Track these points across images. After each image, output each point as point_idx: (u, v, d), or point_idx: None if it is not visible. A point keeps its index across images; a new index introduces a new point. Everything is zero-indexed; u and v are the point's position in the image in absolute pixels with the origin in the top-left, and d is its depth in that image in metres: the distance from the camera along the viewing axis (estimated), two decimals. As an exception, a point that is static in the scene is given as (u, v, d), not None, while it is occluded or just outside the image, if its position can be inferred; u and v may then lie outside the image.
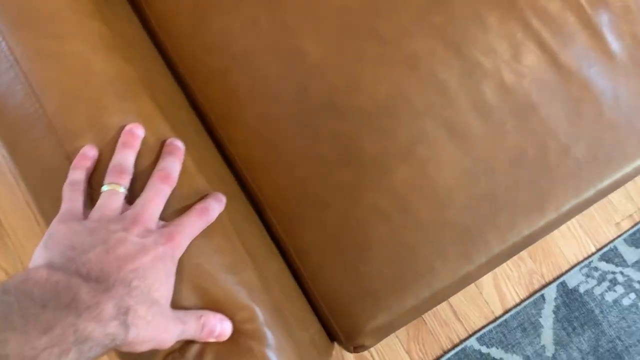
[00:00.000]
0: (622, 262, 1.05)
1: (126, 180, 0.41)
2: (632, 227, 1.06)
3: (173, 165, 0.42)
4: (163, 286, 0.37)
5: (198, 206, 0.43)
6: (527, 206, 0.66)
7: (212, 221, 0.43)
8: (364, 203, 0.63)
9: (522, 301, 1.02)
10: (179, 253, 0.39)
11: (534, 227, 0.67)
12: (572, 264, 1.05)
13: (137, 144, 0.43)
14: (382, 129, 0.64)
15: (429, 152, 0.65)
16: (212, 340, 0.41)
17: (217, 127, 0.66)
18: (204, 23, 0.67)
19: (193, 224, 0.41)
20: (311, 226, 0.63)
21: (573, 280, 1.03)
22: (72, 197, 0.40)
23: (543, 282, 1.03)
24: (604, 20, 0.67)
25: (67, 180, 0.41)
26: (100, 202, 0.39)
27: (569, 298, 1.01)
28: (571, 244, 1.05)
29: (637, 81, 0.67)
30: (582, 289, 1.03)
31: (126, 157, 0.41)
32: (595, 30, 0.67)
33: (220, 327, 0.41)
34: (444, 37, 0.66)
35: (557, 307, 1.01)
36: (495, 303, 1.01)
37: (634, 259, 1.05)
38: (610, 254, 1.05)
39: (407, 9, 0.66)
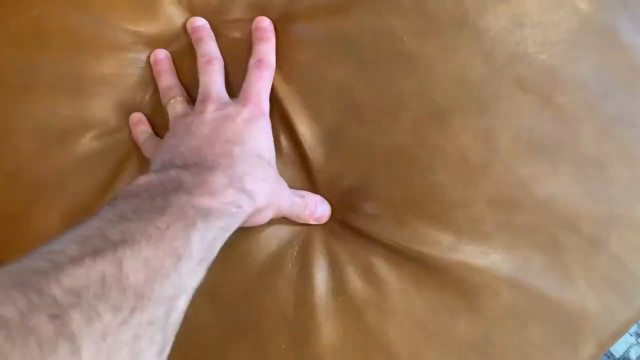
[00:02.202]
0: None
1: (177, 91, 0.42)
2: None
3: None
4: (265, 146, 0.37)
5: (252, 61, 0.41)
6: (546, 344, 0.40)
7: (274, 66, 0.41)
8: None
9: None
10: (265, 110, 0.39)
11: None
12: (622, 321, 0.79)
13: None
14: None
15: (364, 296, 0.39)
16: (312, 222, 0.40)
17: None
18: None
19: (259, 79, 0.40)
20: None
21: (620, 345, 0.78)
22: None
23: (581, 356, 0.77)
24: (618, 17, 0.40)
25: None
26: (170, 116, 0.40)
27: (619, 371, 0.76)
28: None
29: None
30: (633, 355, 0.77)
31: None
32: (608, 34, 0.40)
33: (321, 209, 0.40)
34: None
35: (606, 385, 0.76)
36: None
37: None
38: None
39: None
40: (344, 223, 0.41)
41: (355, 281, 0.40)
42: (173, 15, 0.45)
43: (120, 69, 0.43)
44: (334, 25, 0.42)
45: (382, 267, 0.40)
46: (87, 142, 0.42)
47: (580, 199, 0.39)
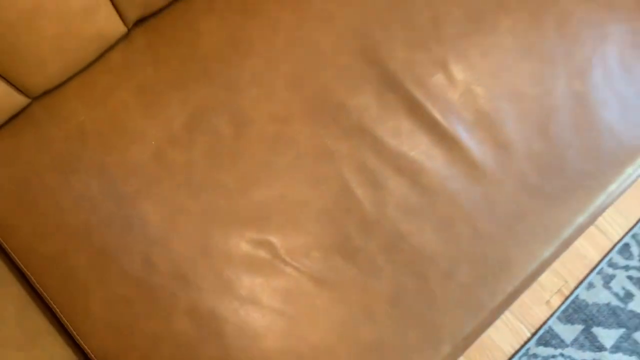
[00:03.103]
0: (561, 343, 0.99)
1: None
2: (563, 302, 1.00)
3: None
4: None
5: None
6: (418, 345, 0.59)
7: None
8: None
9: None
10: None
11: (431, 365, 0.60)
12: (509, 355, 0.98)
13: None
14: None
15: (298, 309, 0.58)
16: None
17: (66, 320, 0.59)
18: (34, 208, 0.60)
19: None
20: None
21: (513, 372, 0.96)
22: None
23: (482, 384, 0.95)
24: (460, 131, 0.63)
25: None
26: None
27: (514, 395, 0.94)
28: (504, 333, 0.99)
29: (509, 185, 0.63)
30: (525, 381, 0.95)
31: None
32: (454, 142, 0.63)
33: None
34: (292, 178, 0.61)
35: (506, 404, 0.93)
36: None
37: (572, 337, 0.99)
38: (546, 337, 0.99)
39: (250, 156, 0.61)
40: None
41: (293, 303, 0.59)
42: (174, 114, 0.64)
43: (143, 155, 0.62)
44: (280, 130, 0.63)
45: (311, 289, 0.59)
46: (111, 208, 0.60)
47: (437, 245, 0.60)
